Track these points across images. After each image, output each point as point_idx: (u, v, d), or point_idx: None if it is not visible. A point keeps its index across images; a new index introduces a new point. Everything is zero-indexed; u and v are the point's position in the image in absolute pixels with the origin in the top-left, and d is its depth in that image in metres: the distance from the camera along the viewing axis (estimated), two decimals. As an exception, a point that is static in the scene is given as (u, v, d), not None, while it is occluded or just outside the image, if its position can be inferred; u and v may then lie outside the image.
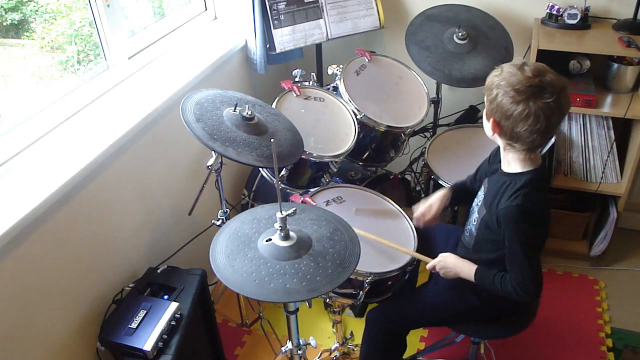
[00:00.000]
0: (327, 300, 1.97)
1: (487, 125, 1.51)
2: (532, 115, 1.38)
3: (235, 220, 1.47)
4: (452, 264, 1.67)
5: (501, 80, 1.42)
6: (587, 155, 2.46)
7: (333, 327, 2.16)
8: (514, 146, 1.48)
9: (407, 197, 2.47)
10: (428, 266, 1.73)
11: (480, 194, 1.67)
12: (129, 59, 1.99)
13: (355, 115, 2.09)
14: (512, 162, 1.53)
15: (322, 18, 2.47)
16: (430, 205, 1.82)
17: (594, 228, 2.67)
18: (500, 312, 1.72)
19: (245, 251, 1.35)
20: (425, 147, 2.31)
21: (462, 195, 1.82)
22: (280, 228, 1.33)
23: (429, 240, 1.93)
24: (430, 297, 1.80)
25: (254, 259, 1.32)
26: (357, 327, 2.11)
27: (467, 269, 1.64)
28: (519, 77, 1.39)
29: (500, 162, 1.58)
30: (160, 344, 1.60)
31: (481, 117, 1.57)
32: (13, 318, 1.45)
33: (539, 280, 1.53)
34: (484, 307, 1.69)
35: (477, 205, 1.66)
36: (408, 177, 2.59)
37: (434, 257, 1.72)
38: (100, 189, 1.72)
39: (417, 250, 1.81)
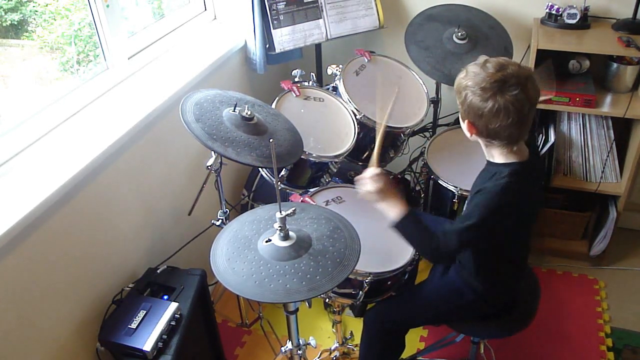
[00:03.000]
0: (327, 300, 1.97)
1: (464, 127, 1.52)
2: (502, 110, 1.38)
3: (236, 221, 1.47)
4: (383, 185, 1.54)
5: (467, 80, 1.43)
6: (586, 155, 2.46)
7: (333, 327, 2.16)
8: (493, 143, 1.49)
9: (407, 197, 2.47)
10: (365, 174, 1.58)
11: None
12: (128, 59, 1.99)
13: (355, 115, 2.09)
14: (496, 156, 1.54)
15: (321, 18, 2.47)
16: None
17: (594, 228, 2.67)
18: (497, 308, 1.73)
19: (245, 253, 1.35)
20: (425, 147, 2.31)
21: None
22: (279, 228, 1.33)
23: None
24: (427, 295, 1.80)
25: (254, 261, 1.32)
26: (357, 327, 2.11)
27: (397, 202, 1.53)
28: (483, 75, 1.40)
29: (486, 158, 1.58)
30: (160, 344, 1.60)
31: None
32: (13, 318, 1.45)
33: (455, 246, 1.47)
34: (480, 302, 1.70)
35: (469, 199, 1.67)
36: (408, 177, 2.59)
37: None
38: (100, 189, 1.72)
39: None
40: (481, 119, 1.43)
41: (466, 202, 1.68)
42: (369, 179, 1.56)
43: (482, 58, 1.45)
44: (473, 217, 1.45)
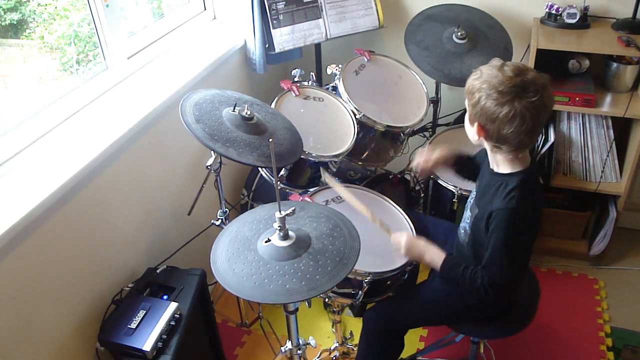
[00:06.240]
0: (327, 300, 1.97)
1: (472, 130, 1.48)
2: (518, 115, 1.36)
3: (236, 222, 1.47)
4: (419, 244, 1.65)
5: (482, 83, 1.39)
6: (586, 155, 2.46)
7: (332, 326, 2.16)
8: (501, 148, 1.46)
9: (407, 197, 2.47)
10: (393, 239, 1.71)
11: (473, 192, 1.67)
12: (128, 59, 1.99)
13: (355, 114, 2.09)
14: (500, 163, 1.52)
15: (321, 18, 2.47)
16: (432, 153, 1.80)
17: (594, 227, 2.67)
18: (498, 311, 1.72)
19: (245, 254, 1.35)
20: (425, 147, 2.31)
21: (465, 161, 1.80)
22: (279, 228, 1.33)
23: (429, 238, 1.93)
24: (427, 296, 1.80)
25: (254, 261, 1.32)
26: (356, 326, 2.11)
27: (435, 253, 1.61)
28: (500, 78, 1.36)
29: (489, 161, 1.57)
30: (160, 344, 1.60)
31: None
32: (12, 318, 1.45)
33: (511, 282, 1.51)
34: (481, 306, 1.69)
35: (470, 202, 1.66)
36: (407, 176, 2.59)
37: None
38: (100, 189, 1.72)
39: None
40: (494, 123, 1.40)
41: (470, 206, 1.65)
42: (402, 246, 1.66)
43: (498, 61, 1.41)
44: (502, 263, 1.47)
